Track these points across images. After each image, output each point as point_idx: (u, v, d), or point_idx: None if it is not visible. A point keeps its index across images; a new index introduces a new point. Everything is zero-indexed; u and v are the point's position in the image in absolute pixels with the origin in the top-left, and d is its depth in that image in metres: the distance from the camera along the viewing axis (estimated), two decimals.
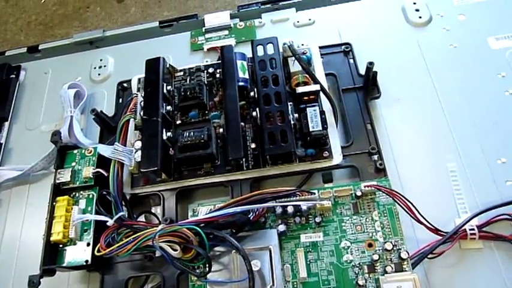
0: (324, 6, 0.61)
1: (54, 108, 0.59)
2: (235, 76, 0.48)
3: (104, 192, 0.45)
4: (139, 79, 0.53)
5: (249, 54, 0.52)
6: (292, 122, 0.46)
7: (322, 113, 0.46)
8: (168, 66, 0.52)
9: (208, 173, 0.47)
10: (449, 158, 0.47)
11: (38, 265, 0.42)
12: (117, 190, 0.45)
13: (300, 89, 0.47)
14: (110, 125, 0.53)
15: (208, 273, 0.39)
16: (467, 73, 0.52)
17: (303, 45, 0.53)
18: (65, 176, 0.47)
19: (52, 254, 0.44)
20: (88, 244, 0.43)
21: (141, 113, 0.48)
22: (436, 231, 0.41)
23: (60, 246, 0.44)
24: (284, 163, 0.46)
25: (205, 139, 0.45)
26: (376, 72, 0.49)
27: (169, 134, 0.47)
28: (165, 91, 0.50)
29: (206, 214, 0.41)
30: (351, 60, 0.54)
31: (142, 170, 0.45)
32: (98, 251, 0.41)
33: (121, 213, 0.42)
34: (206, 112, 0.50)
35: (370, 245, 0.41)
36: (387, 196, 0.42)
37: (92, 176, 0.46)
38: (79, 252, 0.43)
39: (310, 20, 0.60)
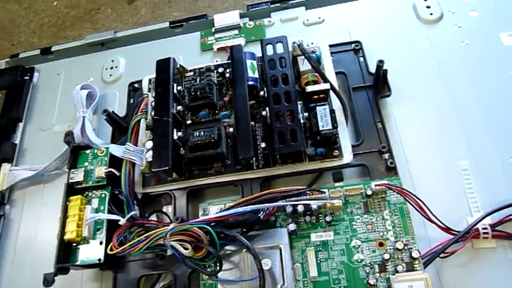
0: (334, 5, 0.61)
1: (66, 109, 0.59)
2: (244, 75, 0.49)
3: (116, 192, 0.45)
4: (150, 79, 0.54)
5: (259, 54, 0.52)
6: (302, 121, 0.45)
7: (332, 111, 0.46)
8: (178, 66, 0.53)
9: (218, 172, 0.47)
10: (461, 156, 0.47)
11: (52, 263, 0.43)
12: (129, 189, 0.45)
13: (310, 88, 0.47)
14: (121, 125, 0.54)
15: (219, 272, 0.39)
16: (480, 70, 0.51)
17: (312, 43, 0.53)
18: (78, 175, 0.47)
19: (66, 253, 0.44)
20: (101, 243, 0.44)
21: (152, 113, 0.48)
22: (448, 230, 0.41)
23: (74, 244, 0.45)
24: (294, 162, 0.46)
25: (216, 138, 0.45)
26: (386, 70, 0.49)
27: (179, 133, 0.47)
28: (175, 91, 0.50)
29: (216, 213, 0.41)
30: (361, 59, 0.53)
31: (153, 170, 0.45)
32: (111, 249, 0.41)
33: (133, 213, 0.43)
34: (216, 112, 0.50)
35: (381, 244, 0.41)
36: (398, 195, 0.42)
37: (104, 176, 0.47)
38: (92, 251, 0.44)
39: (319, 18, 0.60)
